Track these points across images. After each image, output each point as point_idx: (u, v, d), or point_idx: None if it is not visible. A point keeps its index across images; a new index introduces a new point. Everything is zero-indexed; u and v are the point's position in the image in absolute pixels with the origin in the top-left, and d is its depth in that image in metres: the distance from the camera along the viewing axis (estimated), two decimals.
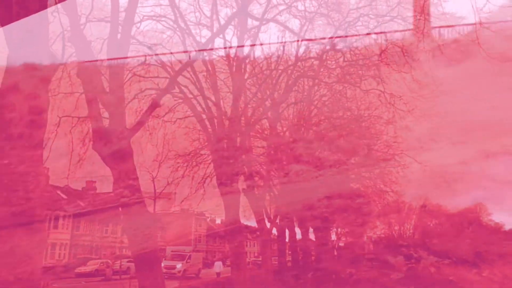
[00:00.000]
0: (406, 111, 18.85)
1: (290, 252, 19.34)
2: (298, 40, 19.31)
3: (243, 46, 16.67)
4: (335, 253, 17.29)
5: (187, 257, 28.52)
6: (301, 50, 21.32)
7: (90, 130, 12.15)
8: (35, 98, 8.99)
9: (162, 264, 16.31)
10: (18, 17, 8.89)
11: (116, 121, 12.23)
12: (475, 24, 12.77)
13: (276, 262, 18.43)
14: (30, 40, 9.35)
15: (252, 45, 17.16)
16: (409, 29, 15.62)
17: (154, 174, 15.99)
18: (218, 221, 42.15)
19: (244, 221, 17.47)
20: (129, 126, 12.75)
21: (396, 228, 16.14)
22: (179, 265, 26.82)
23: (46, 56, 9.98)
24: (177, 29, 18.03)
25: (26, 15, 9.03)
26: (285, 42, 19.48)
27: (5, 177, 8.66)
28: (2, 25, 9.29)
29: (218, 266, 22.37)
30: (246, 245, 19.22)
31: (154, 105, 14.30)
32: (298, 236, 18.89)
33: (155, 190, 16.20)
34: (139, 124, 13.57)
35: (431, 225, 16.09)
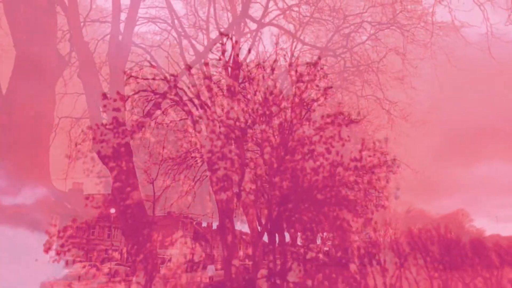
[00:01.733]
0: (402, 117, 19.35)
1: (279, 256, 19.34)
2: (292, 43, 19.50)
3: (239, 49, 16.73)
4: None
5: (166, 260, 28.20)
6: (300, 54, 21.51)
7: (89, 131, 11.99)
8: (42, 98, 8.83)
9: None
10: (25, 16, 8.75)
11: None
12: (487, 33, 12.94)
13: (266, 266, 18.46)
14: (37, 40, 9.20)
15: (249, 49, 17.30)
16: (409, 37, 15.91)
17: (153, 177, 15.84)
18: (205, 224, 42.02)
19: (236, 225, 17.39)
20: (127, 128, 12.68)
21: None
22: None
23: (53, 56, 9.83)
24: (172, 31, 18.06)
25: (33, 13, 8.91)
26: (278, 48, 19.55)
27: None
28: (9, 24, 9.14)
29: (211, 269, 22.32)
30: (239, 249, 19.18)
31: (149, 107, 14.26)
32: (287, 239, 18.90)
33: (154, 193, 16.06)
34: (136, 126, 13.51)
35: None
